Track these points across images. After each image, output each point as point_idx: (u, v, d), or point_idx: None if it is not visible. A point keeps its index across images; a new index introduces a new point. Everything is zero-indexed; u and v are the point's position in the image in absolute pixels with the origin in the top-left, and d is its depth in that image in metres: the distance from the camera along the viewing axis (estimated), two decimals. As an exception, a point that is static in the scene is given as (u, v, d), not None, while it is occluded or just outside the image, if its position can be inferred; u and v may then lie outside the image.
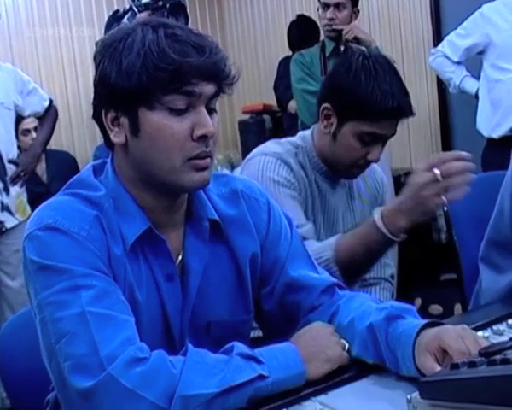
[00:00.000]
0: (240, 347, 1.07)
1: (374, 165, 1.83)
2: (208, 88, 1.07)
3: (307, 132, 1.81)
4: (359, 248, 1.52)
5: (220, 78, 1.08)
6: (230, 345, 1.08)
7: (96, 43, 3.77)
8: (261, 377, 1.04)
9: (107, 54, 1.07)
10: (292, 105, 4.31)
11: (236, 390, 1.01)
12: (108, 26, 3.40)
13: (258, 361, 1.05)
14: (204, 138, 1.08)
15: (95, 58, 1.11)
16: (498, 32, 3.21)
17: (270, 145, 1.75)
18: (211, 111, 1.10)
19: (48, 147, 4.55)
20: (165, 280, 1.14)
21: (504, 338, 1.12)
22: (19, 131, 3.94)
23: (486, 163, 3.29)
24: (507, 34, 3.20)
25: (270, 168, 1.66)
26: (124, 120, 1.09)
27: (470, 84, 3.42)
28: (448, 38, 3.45)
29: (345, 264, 1.52)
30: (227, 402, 1.00)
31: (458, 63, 3.41)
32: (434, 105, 4.25)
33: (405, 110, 1.64)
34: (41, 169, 4.18)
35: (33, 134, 3.96)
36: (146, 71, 1.03)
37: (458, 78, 3.41)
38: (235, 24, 5.74)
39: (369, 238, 1.50)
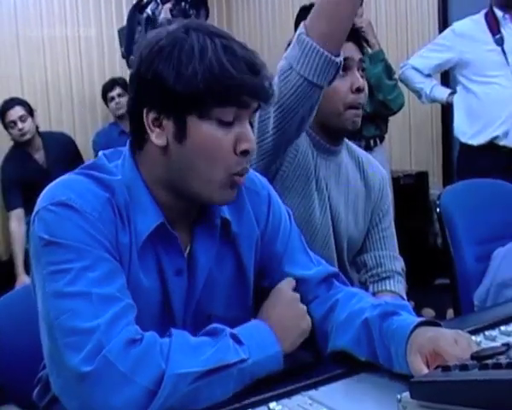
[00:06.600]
0: (222, 328, 1.08)
1: (376, 163, 1.83)
2: (255, 104, 1.10)
3: None
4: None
5: (266, 97, 1.10)
6: (212, 327, 1.08)
7: (120, 32, 3.66)
8: (242, 360, 1.05)
9: (159, 57, 1.06)
10: None
11: (220, 371, 1.02)
12: (132, 17, 3.35)
13: (239, 342, 1.07)
14: (246, 153, 1.09)
15: (138, 57, 1.09)
16: (471, 49, 3.23)
17: None
18: (251, 125, 1.12)
19: (48, 128, 4.56)
20: (174, 275, 1.15)
21: (496, 344, 1.12)
22: (5, 125, 4.01)
23: (461, 169, 3.31)
24: (479, 50, 3.21)
25: None
26: (167, 123, 1.08)
27: (440, 92, 3.46)
28: (420, 52, 3.50)
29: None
30: (213, 383, 1.01)
31: (428, 76, 3.45)
32: (436, 107, 4.24)
33: None
34: (39, 156, 4.16)
35: (19, 125, 3.97)
36: (205, 81, 1.03)
37: (428, 87, 3.44)
38: (242, 17, 5.73)
39: None
